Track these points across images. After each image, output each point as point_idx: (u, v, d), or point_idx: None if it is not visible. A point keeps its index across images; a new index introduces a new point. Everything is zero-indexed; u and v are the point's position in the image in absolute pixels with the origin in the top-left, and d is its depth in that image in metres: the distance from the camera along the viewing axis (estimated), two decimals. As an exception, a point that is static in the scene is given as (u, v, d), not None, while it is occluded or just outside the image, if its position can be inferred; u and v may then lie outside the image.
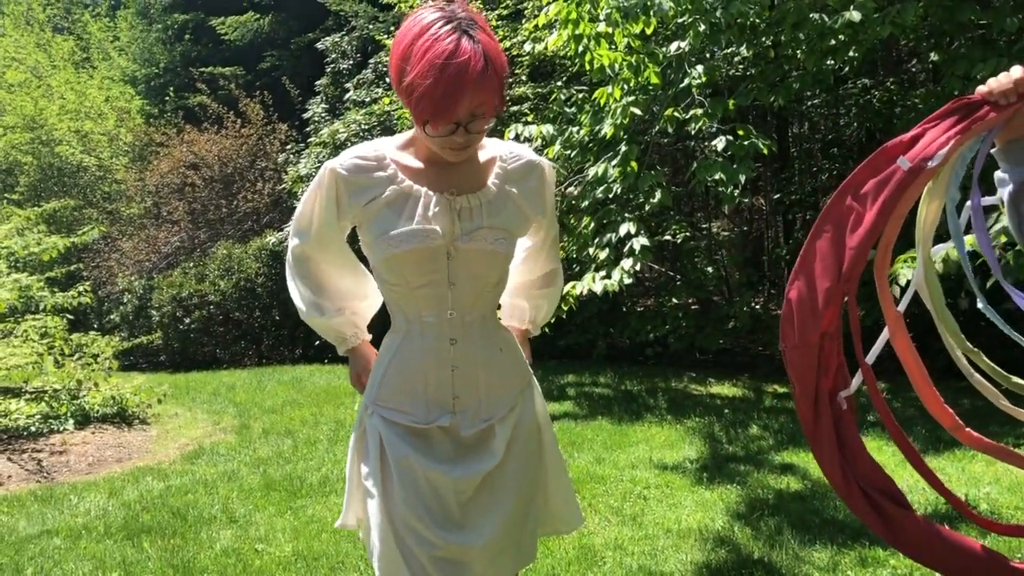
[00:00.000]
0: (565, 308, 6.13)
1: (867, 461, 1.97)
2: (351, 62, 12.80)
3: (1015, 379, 2.19)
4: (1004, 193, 1.93)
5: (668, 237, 8.89)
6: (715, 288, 9.55)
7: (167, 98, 16.81)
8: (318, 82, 13.15)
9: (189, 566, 3.80)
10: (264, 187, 12.80)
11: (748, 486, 4.60)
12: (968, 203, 2.00)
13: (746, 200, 9.21)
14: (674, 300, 8.88)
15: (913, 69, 8.68)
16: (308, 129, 12.80)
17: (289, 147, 12.99)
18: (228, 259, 11.28)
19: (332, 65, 12.99)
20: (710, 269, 9.19)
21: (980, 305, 2.07)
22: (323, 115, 12.54)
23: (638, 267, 5.78)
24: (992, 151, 1.94)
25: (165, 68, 18.08)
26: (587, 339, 9.46)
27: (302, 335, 11.14)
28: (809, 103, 9.31)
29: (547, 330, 6.50)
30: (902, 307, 2.19)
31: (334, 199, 1.91)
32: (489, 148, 1.99)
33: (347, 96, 11.67)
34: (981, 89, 1.87)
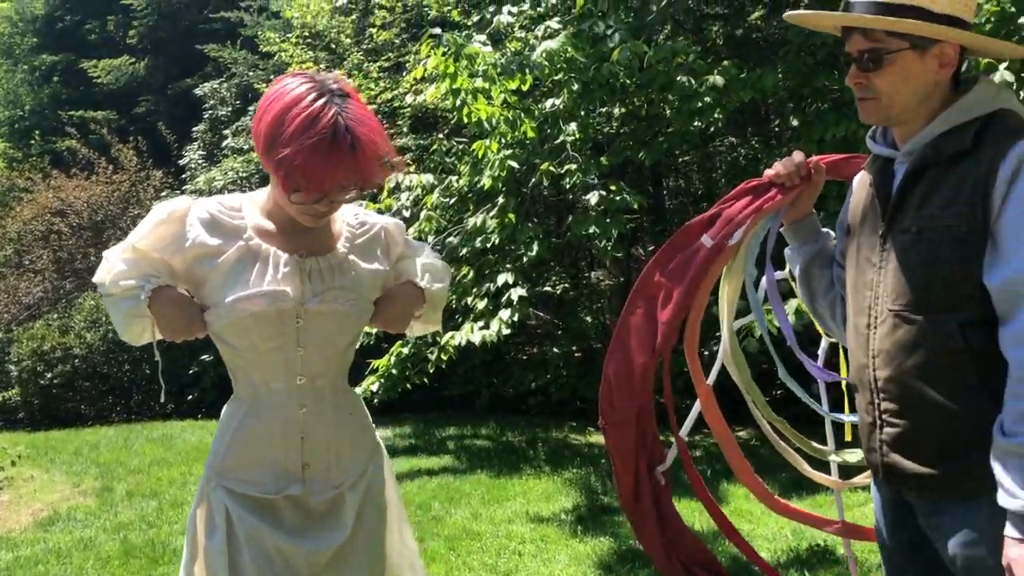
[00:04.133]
0: (445, 358, 6.12)
1: (687, 537, 2.04)
2: (230, 109, 12.61)
3: (815, 445, 2.31)
4: (793, 269, 2.05)
5: (548, 288, 9.01)
6: (596, 337, 9.70)
7: (32, 142, 16.10)
8: (195, 128, 12.89)
9: (34, 644, 3.55)
10: (136, 235, 12.33)
11: (621, 538, 4.64)
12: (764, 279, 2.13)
13: (619, 255, 9.43)
14: (555, 349, 8.97)
15: (777, 128, 9.13)
16: (184, 176, 12.51)
17: (164, 194, 12.58)
18: (96, 310, 10.78)
19: (210, 112, 12.77)
20: (589, 319, 9.33)
21: (780, 375, 2.18)
22: (200, 162, 12.29)
23: (516, 317, 5.84)
24: (781, 229, 2.07)
25: (31, 110, 17.33)
26: (471, 389, 9.43)
27: (174, 389, 10.70)
28: (683, 159, 9.66)
29: (428, 381, 6.46)
30: (710, 380, 2.29)
31: (179, 234, 1.82)
32: (337, 212, 1.98)
33: (225, 143, 11.48)
34: (769, 172, 2.01)
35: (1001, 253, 1.53)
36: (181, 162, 12.91)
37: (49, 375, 10.39)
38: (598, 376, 7.37)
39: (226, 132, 11.87)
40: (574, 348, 9.36)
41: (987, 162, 1.57)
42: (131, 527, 5.29)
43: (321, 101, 1.71)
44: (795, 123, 6.66)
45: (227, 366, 1.92)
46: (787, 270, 2.14)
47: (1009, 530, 1.49)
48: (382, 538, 2.00)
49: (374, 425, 2.09)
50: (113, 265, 1.82)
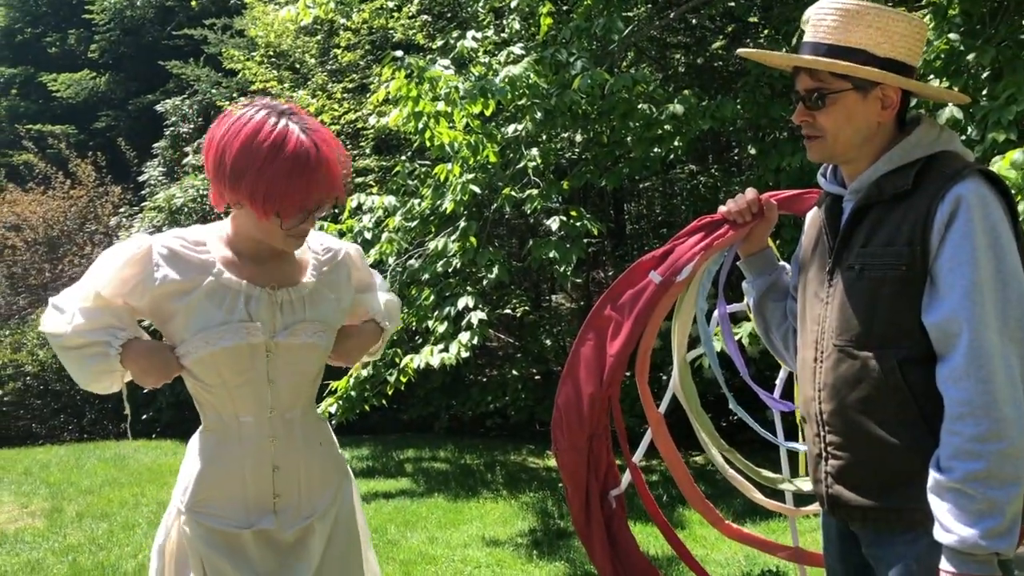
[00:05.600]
0: (404, 380, 6.10)
1: (637, 558, 2.07)
2: (192, 126, 12.52)
3: (765, 473, 2.35)
4: (749, 301, 2.10)
5: (508, 311, 9.04)
6: (555, 360, 9.75)
7: (-12, 155, 15.88)
8: (156, 145, 12.77)
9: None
10: (93, 251, 12.16)
11: (576, 563, 4.65)
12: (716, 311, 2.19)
13: (579, 279, 9.51)
14: (515, 372, 8.99)
15: (736, 157, 9.28)
16: (143, 192, 12.38)
17: (122, 210, 12.47)
18: (49, 327, 10.60)
19: (172, 128, 12.66)
20: (548, 342, 9.37)
21: (731, 405, 2.24)
22: (160, 179, 12.17)
23: (476, 341, 5.84)
24: (738, 263, 2.13)
25: (-13, 123, 17.11)
26: (430, 412, 9.41)
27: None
28: (644, 184, 9.78)
29: (386, 403, 6.44)
30: (662, 409, 2.34)
31: (145, 275, 1.77)
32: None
33: (186, 160, 11.38)
34: (722, 209, 2.06)
35: (939, 293, 1.58)
36: (141, 178, 12.76)
37: (0, 392, 10.19)
38: (556, 399, 7.31)
39: (187, 149, 11.77)
40: (533, 370, 9.39)
41: (926, 203, 1.62)
42: (80, 549, 5.19)
43: (282, 123, 1.72)
44: (753, 152, 6.78)
45: (195, 399, 1.89)
46: (745, 302, 2.19)
47: (944, 563, 1.53)
48: (357, 562, 2.00)
49: None
50: (70, 317, 1.76)
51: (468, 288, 6.25)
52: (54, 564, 4.91)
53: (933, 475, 1.56)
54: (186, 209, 10.30)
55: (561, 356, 9.78)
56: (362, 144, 9.50)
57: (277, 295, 1.84)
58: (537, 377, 9.43)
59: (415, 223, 6.63)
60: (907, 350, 1.63)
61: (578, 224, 5.74)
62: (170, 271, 1.78)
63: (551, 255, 5.74)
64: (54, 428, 10.43)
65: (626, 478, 2.22)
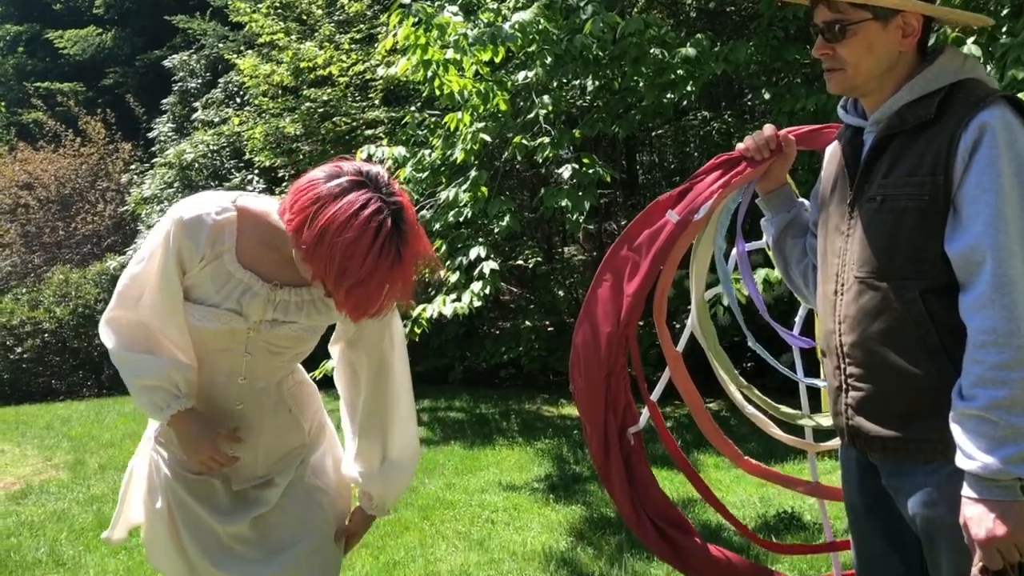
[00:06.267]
0: (418, 331, 6.12)
1: (656, 494, 2.08)
2: (200, 81, 12.45)
3: (784, 408, 2.35)
4: (769, 238, 2.08)
5: (520, 262, 9.03)
6: (568, 311, 9.76)
7: (-2, 114, 15.87)
8: (164, 100, 12.73)
9: (7, 616, 3.56)
10: (105, 209, 12.22)
11: (592, 506, 4.71)
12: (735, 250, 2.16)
13: (591, 227, 9.47)
14: (528, 323, 9.01)
15: (749, 102, 9.17)
16: (154, 149, 12.37)
17: (133, 167, 12.49)
18: (65, 284, 10.68)
19: (180, 84, 12.60)
20: (561, 293, 9.38)
21: (750, 343, 2.22)
22: (170, 135, 12.14)
23: (488, 290, 5.85)
24: (757, 200, 2.11)
25: (-4, 82, 17.06)
26: (444, 363, 9.45)
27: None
28: (656, 132, 9.68)
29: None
30: (680, 347, 2.34)
31: (177, 252, 1.78)
32: None
33: (195, 116, 11.33)
34: (740, 146, 2.04)
35: (962, 222, 1.56)
36: (150, 135, 12.75)
37: (19, 350, 10.30)
38: (569, 349, 7.44)
39: (196, 104, 11.73)
40: (546, 322, 9.41)
41: (949, 131, 1.59)
42: (104, 499, 5.28)
43: (385, 230, 1.61)
44: (767, 96, 6.70)
45: None
46: (764, 239, 2.18)
47: (966, 490, 1.53)
48: (316, 513, 2.00)
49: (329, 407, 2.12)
50: (137, 362, 1.83)
51: (480, 239, 6.24)
52: (79, 514, 5.00)
53: (955, 403, 1.55)
54: (196, 165, 10.29)
55: (574, 307, 9.78)
56: (371, 95, 9.42)
57: (277, 294, 1.83)
58: (550, 328, 9.44)
59: (426, 174, 6.60)
60: (929, 280, 1.62)
61: (590, 171, 5.70)
62: (194, 245, 1.78)
63: (563, 203, 5.70)
64: (73, 384, 10.56)
65: (644, 415, 2.23)
